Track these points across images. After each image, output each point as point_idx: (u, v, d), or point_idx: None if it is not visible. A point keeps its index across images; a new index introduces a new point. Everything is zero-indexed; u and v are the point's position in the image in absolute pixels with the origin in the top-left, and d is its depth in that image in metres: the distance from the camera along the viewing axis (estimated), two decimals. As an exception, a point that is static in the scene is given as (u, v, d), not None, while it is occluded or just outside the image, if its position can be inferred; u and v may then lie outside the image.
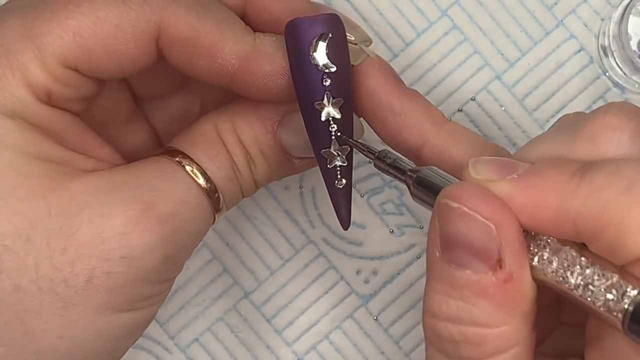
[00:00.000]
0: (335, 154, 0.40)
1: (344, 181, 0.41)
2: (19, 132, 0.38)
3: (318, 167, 0.41)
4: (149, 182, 0.39)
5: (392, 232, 0.49)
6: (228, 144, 0.41)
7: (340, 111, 0.40)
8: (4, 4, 0.40)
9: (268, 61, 0.40)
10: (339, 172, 0.41)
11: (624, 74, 0.47)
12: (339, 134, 0.40)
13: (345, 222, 0.42)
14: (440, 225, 0.35)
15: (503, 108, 0.49)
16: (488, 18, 0.49)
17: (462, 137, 0.41)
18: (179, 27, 0.39)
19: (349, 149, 0.41)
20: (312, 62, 0.39)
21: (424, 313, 0.36)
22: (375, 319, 0.49)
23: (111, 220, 0.38)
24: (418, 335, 0.49)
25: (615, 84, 0.48)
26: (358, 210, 0.49)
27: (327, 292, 0.49)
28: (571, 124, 0.37)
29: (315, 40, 0.39)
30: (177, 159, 0.40)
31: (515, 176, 0.35)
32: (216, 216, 0.41)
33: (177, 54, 0.40)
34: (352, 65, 0.41)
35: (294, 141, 0.42)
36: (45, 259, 0.37)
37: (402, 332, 0.49)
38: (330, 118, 0.40)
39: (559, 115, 0.48)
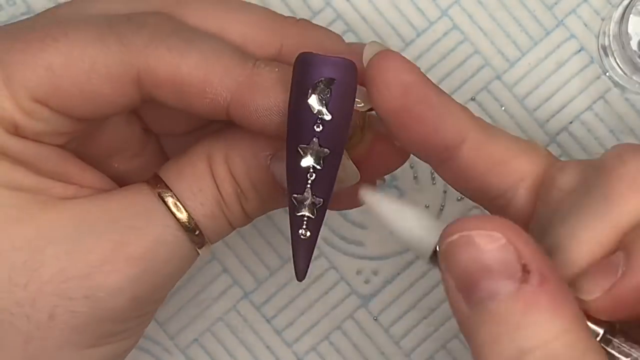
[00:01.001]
0: (306, 204, 0.37)
1: (308, 233, 0.38)
2: None
3: None
4: (124, 218, 0.38)
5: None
6: (217, 176, 0.39)
7: (323, 162, 0.37)
8: None
9: (262, 95, 0.37)
10: (305, 223, 0.38)
11: (625, 74, 0.47)
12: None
13: (301, 274, 0.38)
14: (453, 272, 0.33)
15: (503, 108, 0.49)
16: (488, 18, 0.49)
17: (494, 132, 0.38)
18: (160, 68, 0.37)
19: (323, 202, 0.37)
20: (309, 103, 0.36)
21: None
22: (376, 320, 0.49)
23: (77, 258, 0.37)
24: (418, 336, 0.49)
25: (616, 84, 0.48)
26: (358, 210, 0.49)
27: (327, 293, 0.49)
28: (591, 189, 0.35)
29: (318, 81, 0.36)
30: (159, 191, 0.38)
31: (621, 272, 0.34)
32: (200, 251, 0.39)
33: (165, 94, 0.38)
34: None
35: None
36: (6, 293, 0.36)
37: (402, 333, 0.49)
38: (311, 166, 0.37)
39: (559, 116, 0.49)
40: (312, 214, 0.37)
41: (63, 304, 0.36)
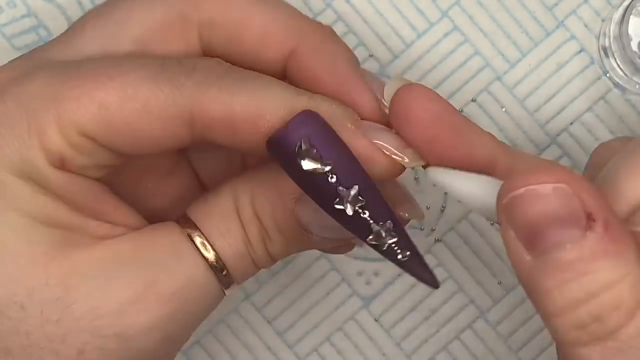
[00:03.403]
0: (382, 235, 0.38)
1: (407, 253, 0.38)
2: (29, 195, 0.37)
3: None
4: (155, 257, 0.38)
5: (393, 233, 0.49)
6: (243, 218, 0.40)
7: (361, 196, 0.37)
8: (37, 58, 0.39)
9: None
10: (396, 248, 0.38)
11: (625, 74, 0.48)
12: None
13: (434, 282, 0.39)
14: (515, 225, 0.34)
15: (504, 109, 0.49)
16: (488, 19, 0.49)
17: (519, 155, 0.39)
18: (213, 109, 0.37)
19: (392, 223, 0.38)
20: (307, 170, 0.37)
21: (552, 322, 0.34)
22: (377, 321, 0.49)
23: (109, 296, 0.37)
24: (419, 337, 0.49)
25: (616, 85, 0.48)
26: (359, 211, 0.49)
27: (328, 294, 0.49)
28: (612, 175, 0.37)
29: (297, 149, 0.37)
30: (188, 230, 0.39)
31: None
32: (226, 291, 0.40)
33: (219, 134, 0.38)
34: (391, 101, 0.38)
35: (312, 219, 0.40)
36: (37, 328, 0.37)
37: (403, 334, 0.49)
38: (357, 208, 0.37)
39: (560, 116, 0.49)
40: (394, 238, 0.38)
41: (93, 340, 0.37)
